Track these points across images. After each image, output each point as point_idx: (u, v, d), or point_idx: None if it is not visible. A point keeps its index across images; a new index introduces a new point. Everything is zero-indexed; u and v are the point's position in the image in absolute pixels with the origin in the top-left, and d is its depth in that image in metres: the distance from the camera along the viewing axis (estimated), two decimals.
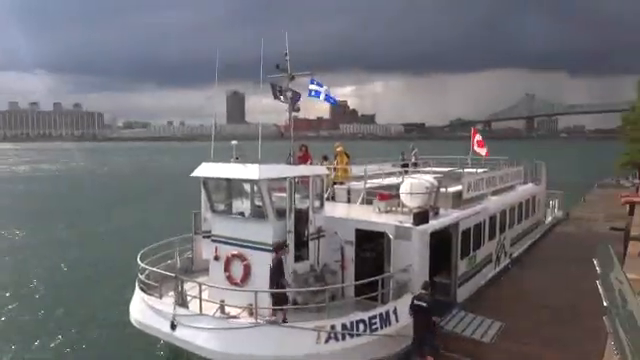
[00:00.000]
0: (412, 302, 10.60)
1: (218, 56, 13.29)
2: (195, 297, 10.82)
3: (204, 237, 13.45)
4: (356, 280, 12.06)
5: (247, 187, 12.26)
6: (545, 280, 16.98)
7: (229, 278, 11.96)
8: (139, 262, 12.66)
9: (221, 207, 12.79)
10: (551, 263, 19.07)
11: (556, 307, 14.03)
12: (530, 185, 23.26)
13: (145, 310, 11.64)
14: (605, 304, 1.82)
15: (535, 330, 12.40)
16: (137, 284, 12.68)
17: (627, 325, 1.54)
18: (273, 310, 10.49)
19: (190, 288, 11.61)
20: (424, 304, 10.40)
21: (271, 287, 10.63)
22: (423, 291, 10.66)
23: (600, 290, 1.99)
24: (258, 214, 11.74)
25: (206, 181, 12.63)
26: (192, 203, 14.97)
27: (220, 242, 12.39)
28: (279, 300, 10.61)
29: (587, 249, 16.20)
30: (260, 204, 11.58)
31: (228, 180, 12.31)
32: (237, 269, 11.84)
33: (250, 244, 11.70)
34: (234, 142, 12.02)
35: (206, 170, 12.29)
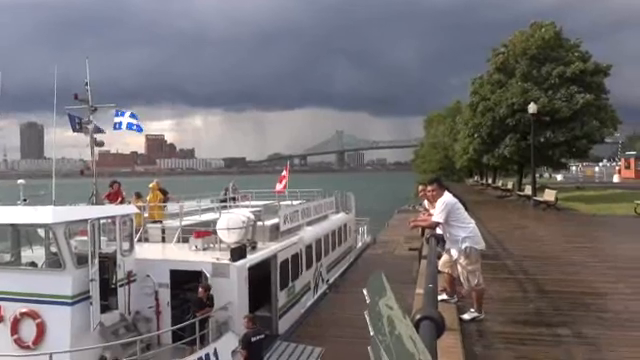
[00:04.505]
0: (248, 339, 10.21)
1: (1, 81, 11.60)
2: None
3: None
4: (174, 325, 11.33)
5: (41, 232, 10.76)
6: (358, 302, 18.13)
7: (17, 342, 10.15)
8: None
9: (6, 258, 10.95)
10: (363, 285, 20.56)
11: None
12: (342, 214, 25.00)
13: None
14: (371, 334, 1.98)
15: (353, 351, 13.04)
16: None
17: (393, 351, 1.65)
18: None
19: None
20: (262, 336, 10.40)
21: (193, 317, 10.73)
22: (254, 326, 10.48)
23: (367, 320, 2.17)
24: (54, 263, 10.29)
25: None
26: None
27: (5, 300, 10.46)
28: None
29: (391, 268, 18.60)
30: (56, 251, 10.20)
31: (14, 226, 10.61)
32: (28, 330, 10.10)
33: (44, 298, 10.11)
34: (21, 181, 10.50)
35: None
